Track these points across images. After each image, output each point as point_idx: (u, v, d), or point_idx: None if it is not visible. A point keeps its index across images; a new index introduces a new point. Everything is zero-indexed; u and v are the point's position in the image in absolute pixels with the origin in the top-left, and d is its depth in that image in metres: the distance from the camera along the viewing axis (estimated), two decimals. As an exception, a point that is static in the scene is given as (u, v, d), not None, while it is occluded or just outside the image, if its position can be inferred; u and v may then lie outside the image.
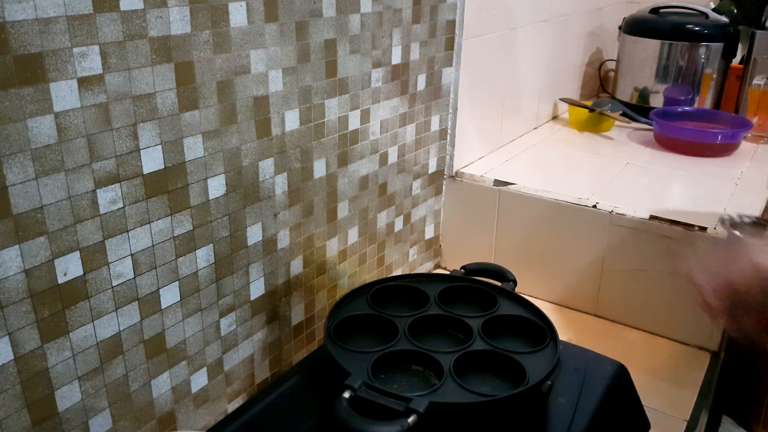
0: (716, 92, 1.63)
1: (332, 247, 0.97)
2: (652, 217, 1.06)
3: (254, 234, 0.82)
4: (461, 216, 1.25)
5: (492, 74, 1.29)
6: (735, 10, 1.75)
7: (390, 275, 1.13)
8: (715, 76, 1.61)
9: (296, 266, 0.91)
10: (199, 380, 0.80)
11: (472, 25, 1.16)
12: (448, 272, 1.03)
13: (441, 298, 0.93)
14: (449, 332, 0.89)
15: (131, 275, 0.67)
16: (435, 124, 1.16)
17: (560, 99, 1.63)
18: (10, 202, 0.55)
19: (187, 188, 0.71)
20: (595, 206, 1.11)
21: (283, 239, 0.87)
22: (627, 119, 1.56)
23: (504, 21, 1.27)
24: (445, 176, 1.24)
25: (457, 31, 1.13)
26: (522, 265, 1.11)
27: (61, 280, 0.61)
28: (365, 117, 0.96)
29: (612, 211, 1.09)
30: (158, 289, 0.71)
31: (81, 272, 0.62)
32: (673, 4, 1.65)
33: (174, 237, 0.71)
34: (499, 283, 0.98)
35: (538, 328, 0.88)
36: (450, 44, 1.13)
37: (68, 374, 0.64)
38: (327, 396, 0.74)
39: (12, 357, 0.58)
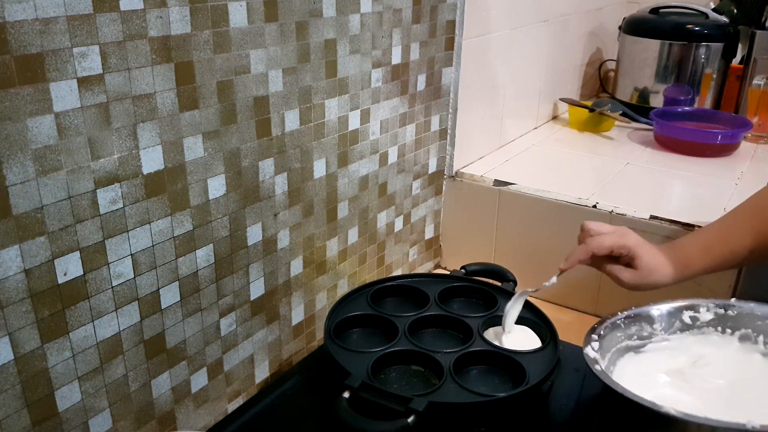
0: (716, 92, 1.63)
1: (332, 247, 0.97)
2: (652, 217, 1.06)
3: (254, 234, 0.82)
4: (461, 216, 1.25)
5: (492, 74, 1.29)
6: (735, 10, 1.75)
7: (390, 275, 1.13)
8: (715, 76, 1.61)
9: (296, 266, 0.91)
10: (199, 380, 0.80)
11: (472, 25, 1.16)
12: (448, 272, 1.03)
13: (441, 298, 0.93)
14: (449, 332, 0.89)
15: (131, 275, 0.67)
16: (435, 124, 1.16)
17: (560, 99, 1.62)
18: (10, 202, 0.55)
19: (187, 188, 0.71)
20: (595, 206, 1.11)
21: (283, 239, 0.87)
22: (627, 119, 1.56)
23: (504, 21, 1.27)
24: (445, 176, 1.24)
25: (457, 31, 1.13)
26: (522, 265, 1.11)
27: (61, 280, 0.61)
28: (365, 117, 0.96)
29: (612, 211, 1.09)
30: (158, 289, 0.71)
31: (81, 272, 0.62)
32: (673, 4, 1.65)
33: (174, 237, 0.71)
34: (499, 283, 0.98)
35: (538, 328, 0.88)
36: (450, 44, 1.13)
37: (68, 374, 0.64)
38: (327, 396, 0.74)
39: (12, 357, 0.58)
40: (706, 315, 0.81)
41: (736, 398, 0.71)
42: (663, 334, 0.80)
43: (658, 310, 0.81)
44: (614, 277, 0.84)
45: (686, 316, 0.81)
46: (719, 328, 0.80)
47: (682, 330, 0.81)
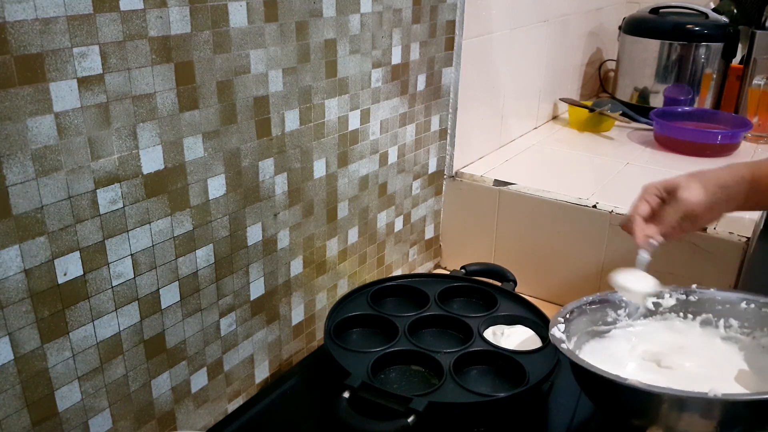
0: (716, 92, 1.63)
1: (332, 247, 0.97)
2: (652, 217, 1.06)
3: (254, 234, 0.82)
4: (461, 216, 1.25)
5: (492, 74, 1.29)
6: (735, 10, 1.75)
7: (390, 275, 1.13)
8: (715, 76, 1.61)
9: (296, 266, 0.91)
10: (199, 380, 0.80)
11: (472, 25, 1.16)
12: (448, 272, 1.03)
13: (441, 298, 0.93)
14: (449, 332, 0.89)
15: (131, 275, 0.67)
16: (435, 124, 1.16)
17: (560, 99, 1.62)
18: (10, 202, 0.55)
19: (187, 188, 0.71)
20: (595, 206, 1.11)
21: (283, 239, 0.87)
22: (627, 119, 1.56)
23: (504, 21, 1.27)
24: (445, 176, 1.24)
25: (457, 31, 1.13)
26: (522, 265, 1.12)
27: (61, 280, 0.61)
28: (365, 117, 0.96)
29: (612, 211, 1.09)
30: (158, 289, 0.71)
31: (81, 272, 0.62)
32: (673, 4, 1.65)
33: (174, 237, 0.71)
34: (499, 283, 0.98)
35: (538, 328, 0.88)
36: (450, 44, 1.13)
37: (68, 374, 0.64)
38: (327, 396, 0.74)
39: (12, 357, 0.58)
40: (668, 301, 0.82)
41: (702, 381, 0.72)
42: (627, 320, 0.81)
43: (621, 296, 0.82)
44: (681, 204, 0.78)
45: (649, 302, 0.82)
46: (681, 314, 0.82)
47: (645, 316, 0.82)
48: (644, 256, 0.80)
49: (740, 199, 0.80)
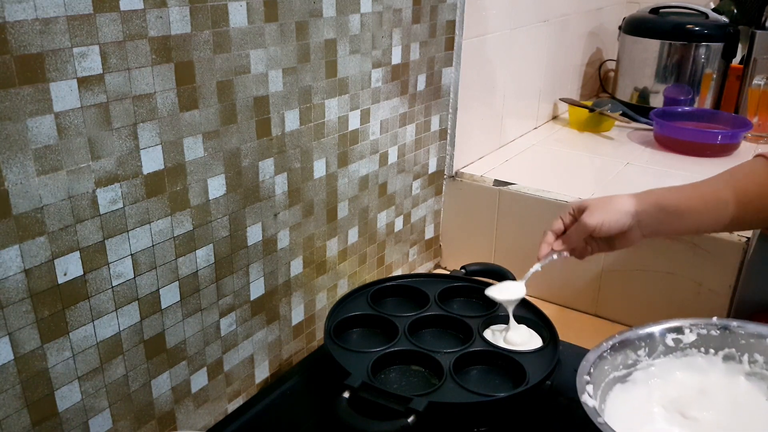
0: (716, 92, 1.63)
1: (332, 247, 0.97)
2: (652, 217, 1.06)
3: (254, 234, 0.82)
4: (461, 216, 1.25)
5: (492, 74, 1.29)
6: (735, 10, 1.75)
7: (390, 275, 1.13)
8: (715, 76, 1.61)
9: (296, 266, 0.91)
10: (199, 380, 0.80)
11: (472, 25, 1.16)
12: (448, 272, 1.03)
13: (441, 298, 0.93)
14: (449, 332, 0.89)
15: (131, 275, 0.67)
16: (435, 124, 1.16)
17: (560, 99, 1.63)
18: (10, 202, 0.55)
19: (187, 188, 0.71)
20: (595, 206, 1.10)
21: (283, 239, 0.87)
22: (627, 119, 1.56)
23: (504, 21, 1.27)
24: (445, 176, 1.24)
25: (457, 31, 1.13)
26: (522, 265, 1.11)
27: (61, 280, 0.61)
28: (365, 117, 0.96)
29: (612, 211, 1.09)
30: (158, 289, 0.71)
31: (81, 272, 0.62)
32: (673, 4, 1.65)
33: (174, 237, 0.71)
34: (499, 284, 0.98)
35: (539, 328, 0.88)
36: (450, 44, 1.13)
37: (68, 374, 0.64)
38: (327, 396, 0.74)
39: (12, 357, 0.59)
40: (689, 336, 0.79)
41: (733, 429, 0.71)
42: (647, 360, 0.78)
43: (641, 334, 0.78)
44: (582, 225, 0.81)
45: (669, 339, 0.79)
46: (702, 349, 0.79)
47: (665, 354, 0.78)
48: (536, 266, 0.86)
49: (654, 224, 0.81)
